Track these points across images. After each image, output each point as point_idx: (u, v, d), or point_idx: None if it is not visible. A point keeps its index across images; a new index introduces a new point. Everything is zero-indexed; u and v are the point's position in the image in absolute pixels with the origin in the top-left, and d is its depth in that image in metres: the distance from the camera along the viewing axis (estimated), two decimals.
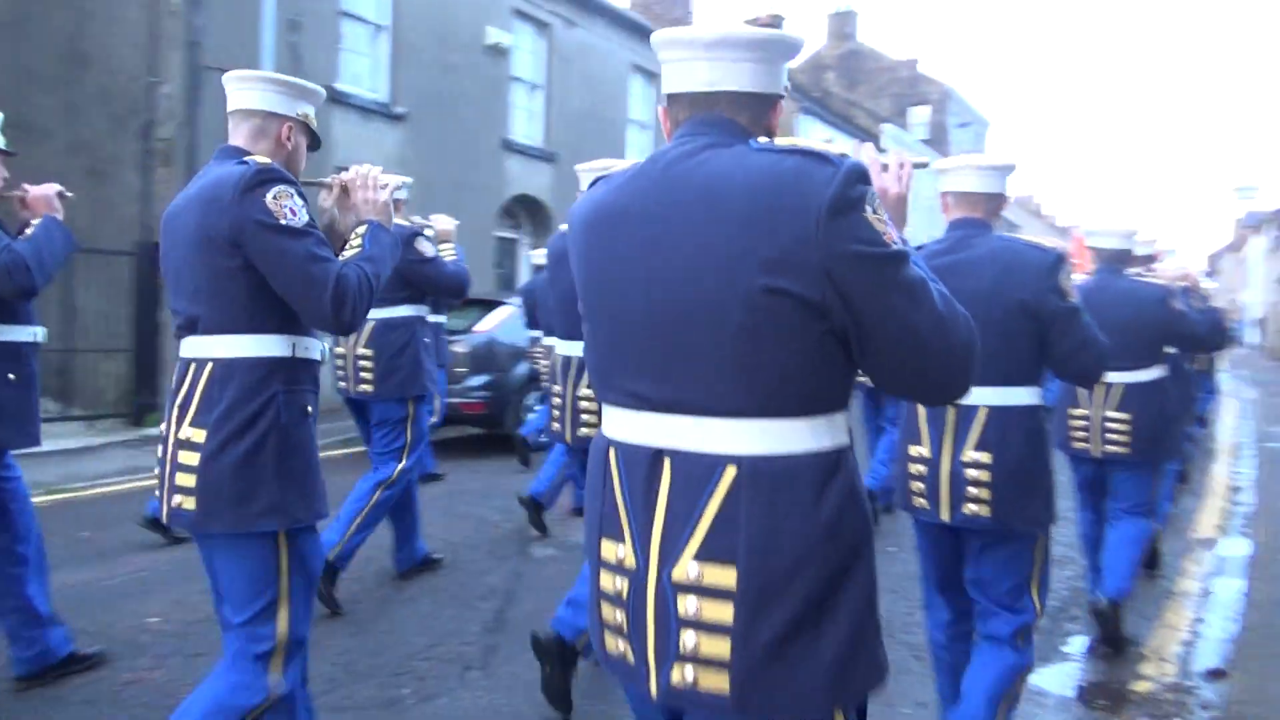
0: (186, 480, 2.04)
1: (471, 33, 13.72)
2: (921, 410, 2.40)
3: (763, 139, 1.28)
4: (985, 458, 2.30)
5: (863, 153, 1.44)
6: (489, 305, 9.41)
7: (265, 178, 2.04)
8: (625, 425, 1.28)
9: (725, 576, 1.16)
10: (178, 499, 2.06)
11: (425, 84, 12.99)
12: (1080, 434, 3.86)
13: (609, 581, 1.28)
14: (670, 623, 1.19)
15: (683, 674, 1.18)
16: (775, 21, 28.45)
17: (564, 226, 1.85)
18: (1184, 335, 3.93)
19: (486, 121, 13.97)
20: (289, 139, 2.29)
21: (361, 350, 4.17)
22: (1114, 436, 3.78)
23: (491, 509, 6.40)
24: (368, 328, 4.17)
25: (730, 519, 1.17)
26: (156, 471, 2.16)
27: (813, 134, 25.15)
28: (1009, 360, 2.28)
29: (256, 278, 2.03)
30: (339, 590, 4.33)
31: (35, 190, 3.16)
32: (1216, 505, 7.04)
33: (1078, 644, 4.02)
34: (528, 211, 15.40)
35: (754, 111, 1.32)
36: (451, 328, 9.02)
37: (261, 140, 2.24)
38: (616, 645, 1.29)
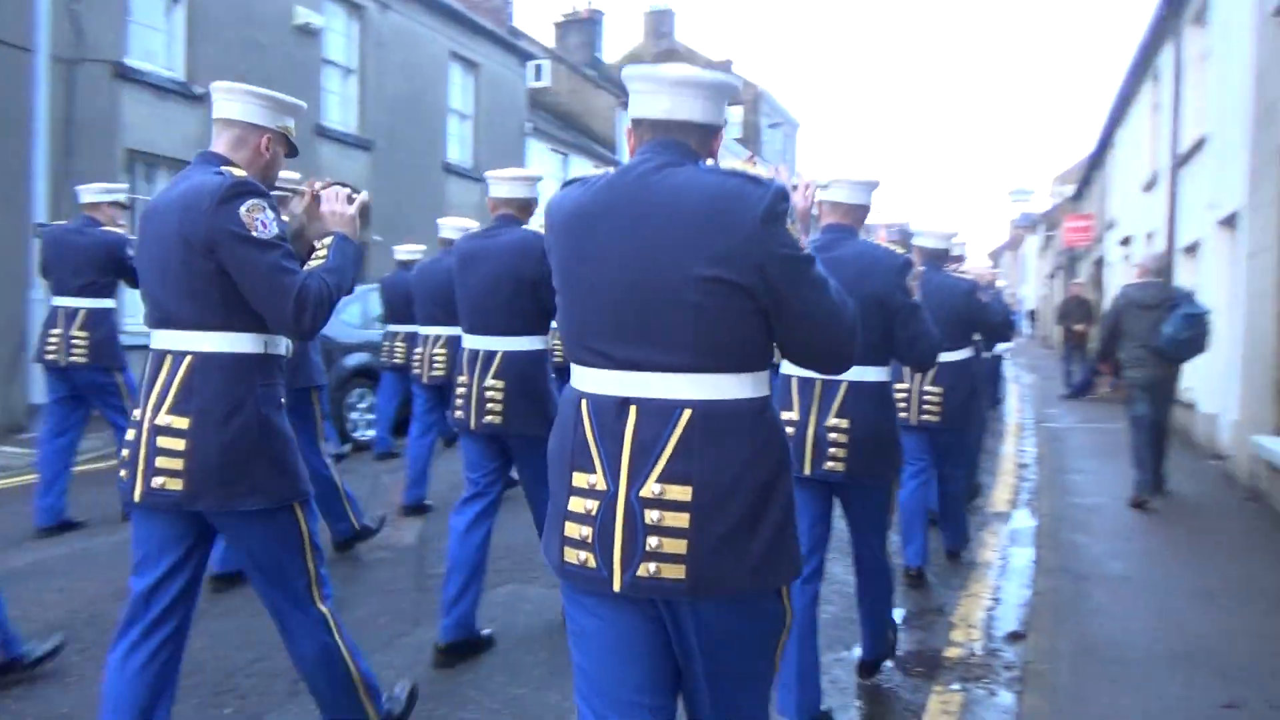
0: (170, 463, 2.21)
1: (279, 11, 13.00)
2: (794, 383, 2.87)
3: (710, 161, 1.66)
4: (844, 423, 2.80)
5: (780, 174, 1.79)
6: None
7: (240, 190, 2.22)
8: (595, 380, 1.62)
9: (683, 493, 1.53)
10: (159, 480, 2.23)
11: (228, 62, 12.18)
12: (900, 405, 4.41)
13: (578, 504, 1.60)
14: (637, 531, 1.54)
15: (648, 568, 1.54)
16: (594, 16, 28.62)
17: (473, 225, 2.38)
18: (986, 323, 4.85)
19: None
20: (267, 149, 2.44)
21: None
22: (929, 407, 4.52)
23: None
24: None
25: (686, 450, 1.53)
26: (126, 454, 2.29)
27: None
28: (865, 344, 2.58)
29: (231, 281, 2.21)
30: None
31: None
32: (1008, 481, 7.69)
33: (895, 615, 4.28)
34: None
35: (701, 138, 1.67)
36: None
37: (241, 149, 2.40)
38: (578, 556, 1.60)
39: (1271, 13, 6.54)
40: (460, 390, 3.55)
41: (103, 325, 5.26)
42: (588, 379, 1.64)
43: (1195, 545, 5.49)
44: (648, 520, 1.55)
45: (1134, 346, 6.46)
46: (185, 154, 11.63)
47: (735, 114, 35.82)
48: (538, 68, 25.69)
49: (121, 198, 5.47)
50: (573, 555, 1.63)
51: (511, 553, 5.16)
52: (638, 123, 1.71)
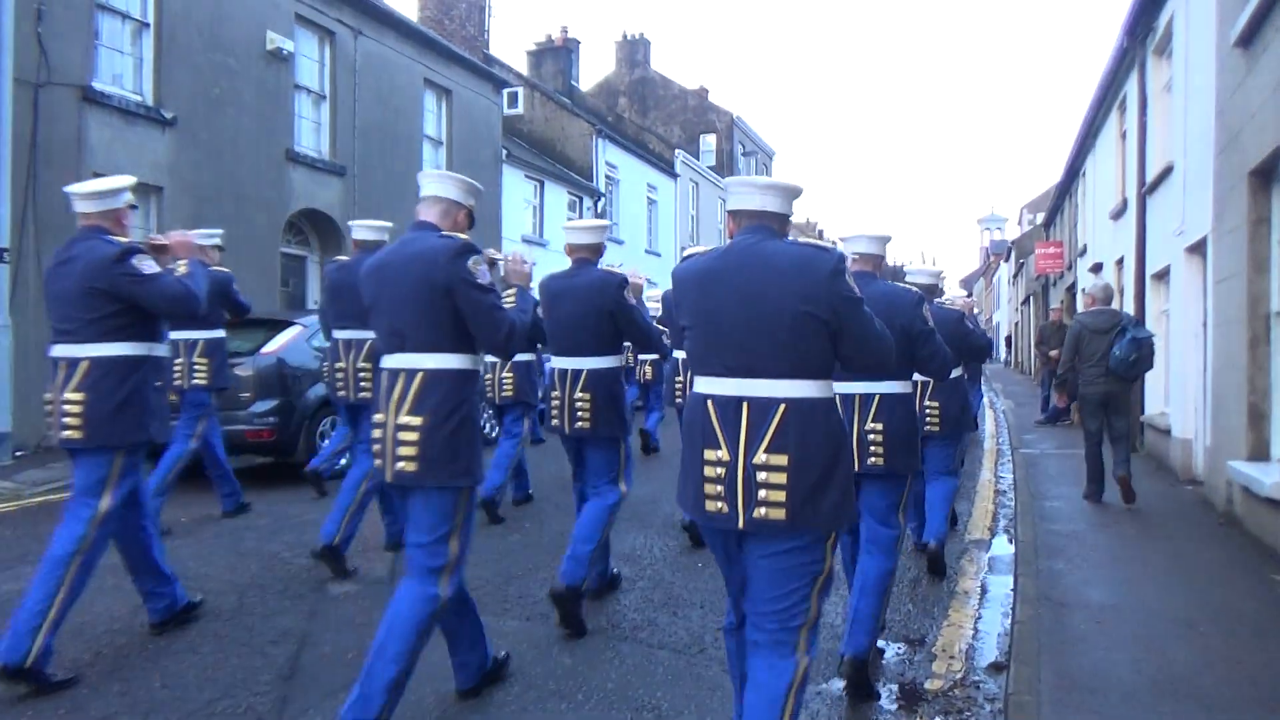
0: (408, 451, 3.06)
1: (250, 37, 12.95)
2: (837, 399, 3.20)
3: (789, 238, 2.52)
4: (879, 426, 3.65)
5: (839, 245, 2.87)
6: (276, 325, 8.85)
7: (467, 248, 3.12)
8: (718, 385, 2.43)
9: (782, 460, 2.34)
10: (400, 465, 3.07)
11: (198, 87, 12.11)
12: None
13: (711, 471, 2.42)
14: (752, 486, 2.35)
15: (760, 512, 2.36)
16: (569, 44, 28.77)
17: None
18: (973, 347, 5.45)
19: (268, 130, 13.21)
20: (463, 220, 3.37)
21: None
22: (929, 418, 5.30)
23: (281, 544, 5.99)
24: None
25: (783, 431, 2.35)
26: (378, 448, 3.15)
27: (610, 156, 25.59)
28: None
29: (458, 316, 3.09)
30: (101, 643, 3.88)
31: (176, 237, 4.75)
32: (986, 508, 7.68)
33: (880, 642, 4.23)
34: (315, 227, 14.68)
35: (780, 223, 2.56)
36: (235, 349, 8.48)
37: (446, 219, 3.30)
38: (715, 505, 2.42)
39: (1232, 44, 6.67)
40: (554, 403, 4.54)
41: (219, 352, 6.39)
42: (712, 385, 2.48)
43: (1174, 571, 5.49)
44: (759, 479, 2.39)
45: (1089, 367, 7.54)
46: (154, 178, 11.52)
47: (710, 141, 36.06)
48: (512, 95, 25.81)
49: (219, 241, 6.68)
50: (711, 505, 2.46)
51: (484, 585, 5.07)
52: (736, 213, 2.61)
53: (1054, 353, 14.64)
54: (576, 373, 4.46)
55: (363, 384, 5.49)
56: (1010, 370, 34.88)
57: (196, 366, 6.33)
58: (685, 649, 4.15)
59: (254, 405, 8.15)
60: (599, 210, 24.58)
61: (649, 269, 26.05)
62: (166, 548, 5.83)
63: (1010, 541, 6.46)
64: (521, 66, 30.30)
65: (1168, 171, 9.80)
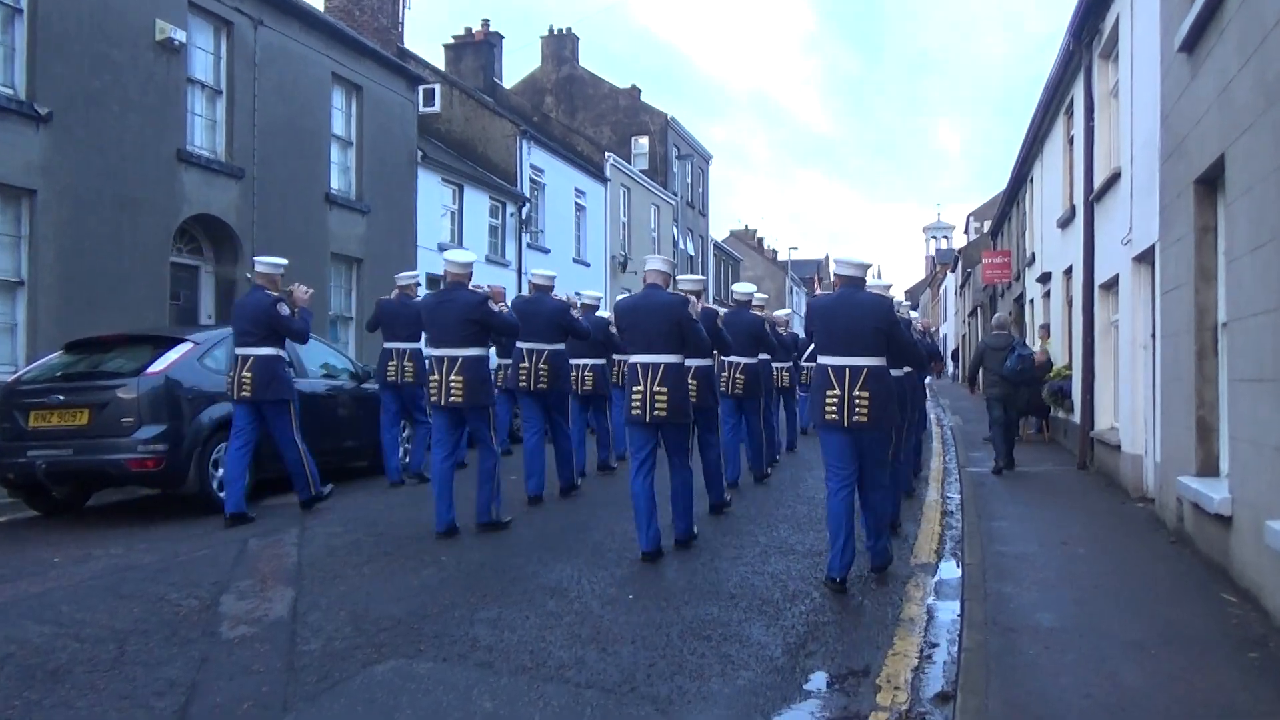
0: (457, 391, 7.32)
1: (137, 25, 12.64)
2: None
3: (867, 289, 6.25)
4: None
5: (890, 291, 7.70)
6: (163, 342, 8.61)
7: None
8: (835, 360, 5.95)
9: (865, 394, 5.88)
10: (452, 399, 7.31)
11: (77, 80, 11.76)
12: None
13: (831, 400, 5.91)
14: (853, 406, 5.86)
15: (858, 420, 5.87)
16: (491, 39, 28.68)
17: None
18: (913, 356, 6.92)
19: (157, 128, 12.89)
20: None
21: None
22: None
23: (169, 585, 5.81)
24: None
25: (867, 381, 5.90)
26: (434, 391, 7.36)
27: (535, 158, 25.57)
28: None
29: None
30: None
31: (299, 293, 8.60)
32: (932, 530, 7.83)
33: (818, 680, 4.27)
34: (210, 234, 14.34)
35: (861, 282, 6.17)
36: (116, 370, 8.24)
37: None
38: (831, 416, 5.90)
39: (1176, 49, 6.95)
40: (636, 394, 6.79)
41: (419, 358, 10.21)
42: (829, 360, 5.95)
43: (1125, 592, 5.66)
44: (856, 403, 5.83)
45: (990, 374, 11.71)
46: (26, 180, 11.13)
47: (642, 144, 36.29)
48: (429, 92, 25.65)
49: (420, 279, 11.12)
50: (829, 416, 5.88)
51: (395, 624, 4.99)
52: (841, 276, 6.12)
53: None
54: (656, 366, 6.80)
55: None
56: (958, 385, 35.65)
57: (406, 368, 10.26)
58: (615, 688, 4.13)
59: (138, 431, 7.90)
60: (523, 216, 24.54)
61: (576, 279, 26.07)
62: (39, 592, 5.65)
63: (958, 565, 6.59)
64: (439, 62, 30.15)
65: (1115, 178, 10.14)
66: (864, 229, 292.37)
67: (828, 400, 5.95)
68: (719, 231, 76.89)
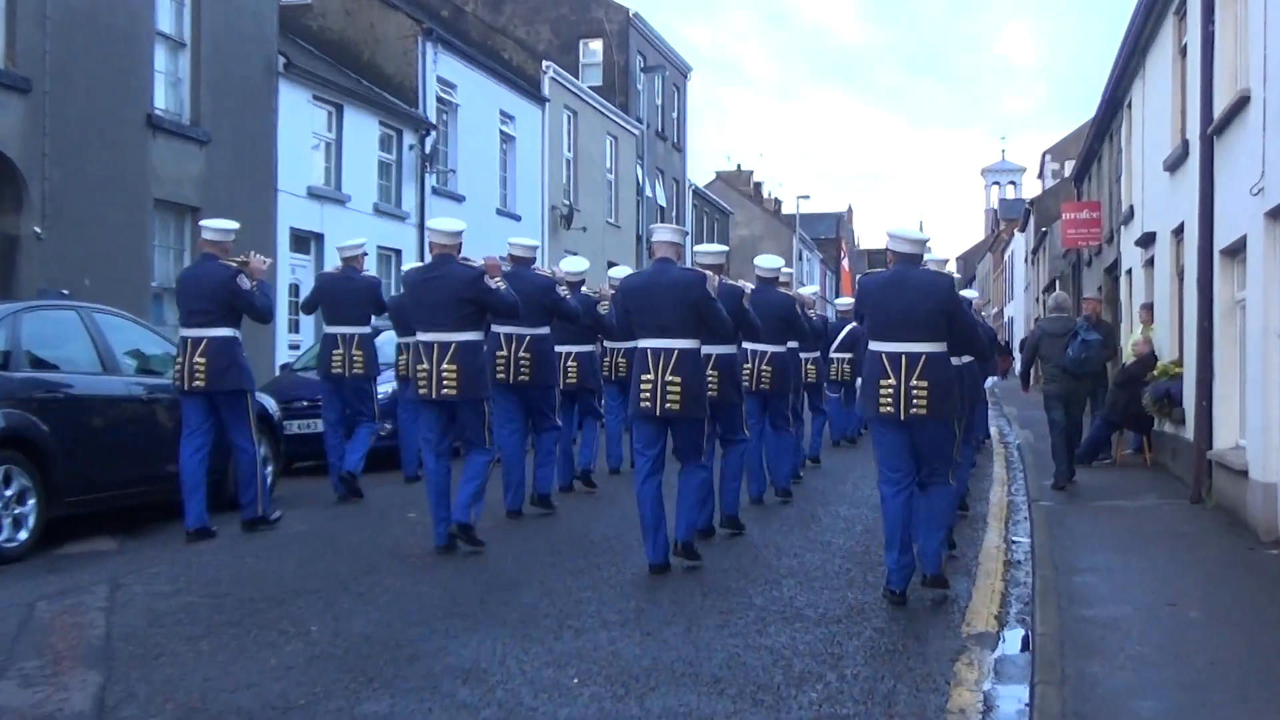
0: (450, 382, 8.49)
1: None
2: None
3: (923, 266, 7.59)
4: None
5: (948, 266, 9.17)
6: None
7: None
8: (888, 347, 7.20)
9: (924, 384, 7.12)
10: (445, 391, 8.53)
11: None
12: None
13: (885, 391, 7.15)
14: (910, 397, 7.11)
15: (916, 411, 7.12)
16: None
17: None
18: (977, 343, 8.08)
19: None
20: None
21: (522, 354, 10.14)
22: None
23: None
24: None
25: (925, 368, 7.14)
26: (424, 378, 8.58)
27: (445, 69, 25.40)
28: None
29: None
30: None
31: (255, 263, 9.65)
32: (992, 587, 7.90)
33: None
34: None
35: (919, 258, 7.51)
36: None
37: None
38: (887, 408, 7.16)
39: None
40: (645, 384, 7.88)
41: (370, 345, 11.71)
42: (883, 347, 7.21)
43: (1255, 673, 5.73)
44: (914, 394, 7.08)
45: (1049, 367, 12.86)
46: None
47: (594, 49, 36.23)
48: None
49: (366, 248, 12.65)
50: (885, 409, 7.14)
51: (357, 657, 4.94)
52: (896, 252, 7.39)
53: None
54: (669, 351, 7.90)
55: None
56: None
57: (355, 358, 11.59)
58: None
59: None
60: (427, 150, 24.40)
61: (500, 237, 26.02)
62: None
63: (1026, 635, 6.65)
64: None
65: (1242, 104, 10.22)
66: (901, 171, 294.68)
67: (882, 391, 7.19)
68: (701, 173, 76.94)
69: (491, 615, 6.84)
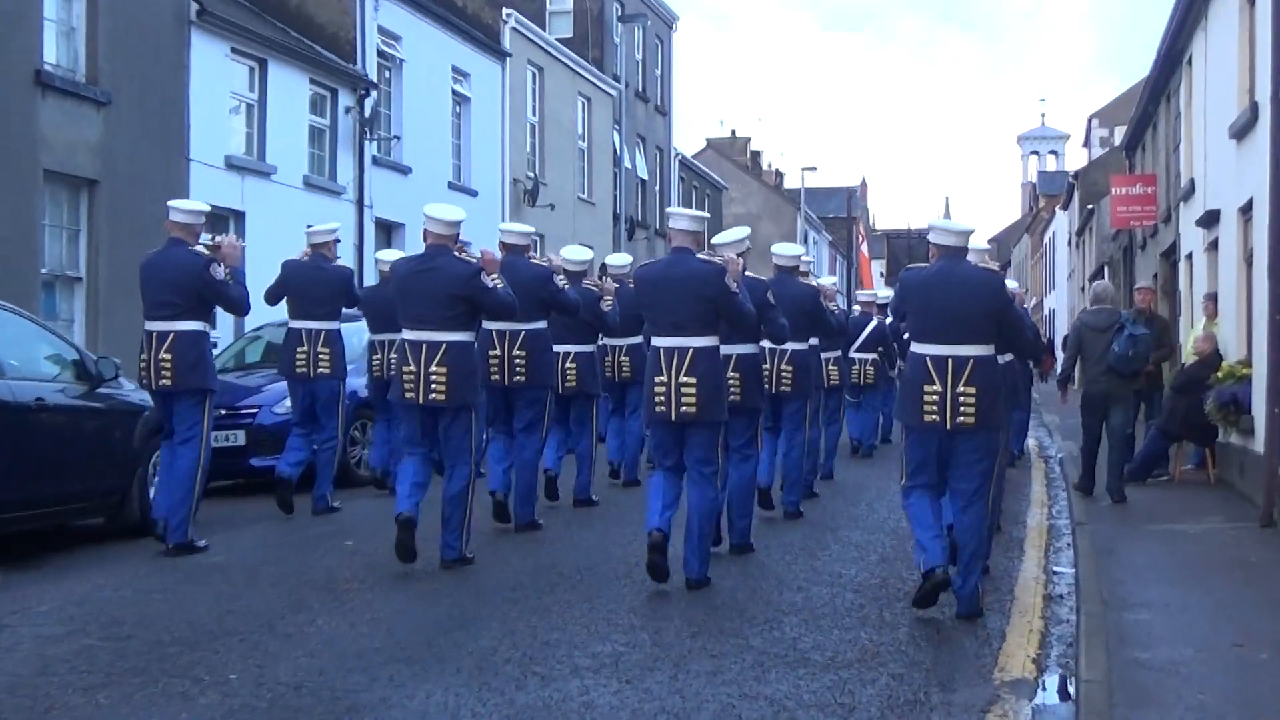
0: (439, 387, 9.07)
1: None
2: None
3: (969, 261, 8.37)
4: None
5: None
6: None
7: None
8: (933, 349, 7.90)
9: (972, 390, 7.79)
10: (432, 396, 9.12)
11: None
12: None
13: (930, 397, 7.82)
14: (957, 405, 7.78)
15: (963, 420, 7.78)
16: None
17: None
18: (1028, 346, 9.91)
19: None
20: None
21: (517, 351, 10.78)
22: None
23: None
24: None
25: (973, 373, 7.83)
26: (410, 381, 9.17)
27: (387, 18, 25.34)
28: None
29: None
30: None
31: (227, 247, 10.40)
32: (1029, 625, 7.92)
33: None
34: None
35: (963, 251, 8.21)
36: None
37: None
38: (931, 417, 7.84)
39: None
40: (659, 386, 8.51)
41: (338, 343, 12.23)
42: (927, 349, 7.91)
43: None
44: (961, 401, 7.74)
45: (1090, 365, 13.38)
46: None
47: None
48: None
49: (339, 234, 13.23)
50: (929, 418, 7.81)
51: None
52: (940, 246, 8.08)
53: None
54: (683, 350, 8.50)
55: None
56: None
57: (320, 355, 12.21)
58: None
59: None
60: (367, 113, 24.33)
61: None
62: None
63: (1070, 683, 6.68)
64: None
65: None
66: (923, 139, 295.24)
67: (926, 398, 7.83)
68: (689, 140, 76.99)
69: (443, 660, 6.84)
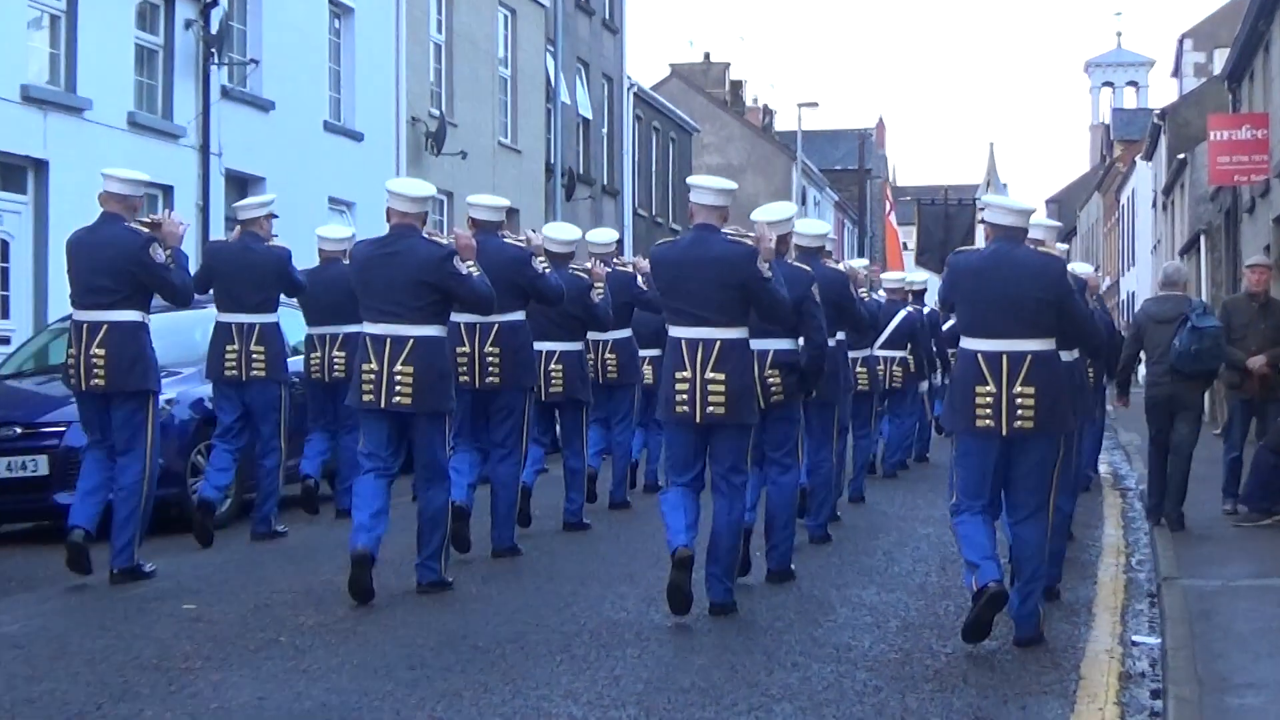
0: (404, 389, 10.14)
1: None
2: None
3: (1026, 244, 9.52)
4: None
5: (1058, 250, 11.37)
6: None
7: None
8: (984, 345, 9.16)
9: (1030, 390, 9.00)
10: (396, 399, 10.18)
11: None
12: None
13: (982, 399, 9.03)
14: (1014, 407, 8.97)
15: (1020, 423, 9.00)
16: None
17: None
18: (1094, 338, 10.56)
19: None
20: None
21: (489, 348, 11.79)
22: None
23: None
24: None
25: (1031, 372, 9.03)
26: (370, 382, 10.23)
27: None
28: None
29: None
30: None
31: (169, 225, 11.73)
32: (1100, 714, 7.94)
33: None
34: None
35: (1022, 233, 9.47)
36: None
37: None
38: (985, 422, 9.03)
39: None
40: (682, 383, 9.41)
41: (275, 338, 13.36)
42: (979, 344, 9.14)
43: None
44: (1018, 403, 8.91)
45: (1153, 363, 14.43)
46: None
47: None
48: None
49: (274, 208, 14.11)
50: (982, 422, 8.98)
51: None
52: (995, 226, 9.36)
53: (1258, 362, 15.19)
54: (709, 343, 9.50)
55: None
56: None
57: (254, 355, 13.05)
58: None
59: None
60: (212, 29, 24.23)
61: (335, 159, 25.97)
62: None
63: None
64: None
65: None
66: (960, 68, 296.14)
67: (979, 400, 8.96)
68: (649, 67, 76.70)
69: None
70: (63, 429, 13.71)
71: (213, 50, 24.27)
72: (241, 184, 25.26)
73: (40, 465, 13.45)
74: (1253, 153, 24.49)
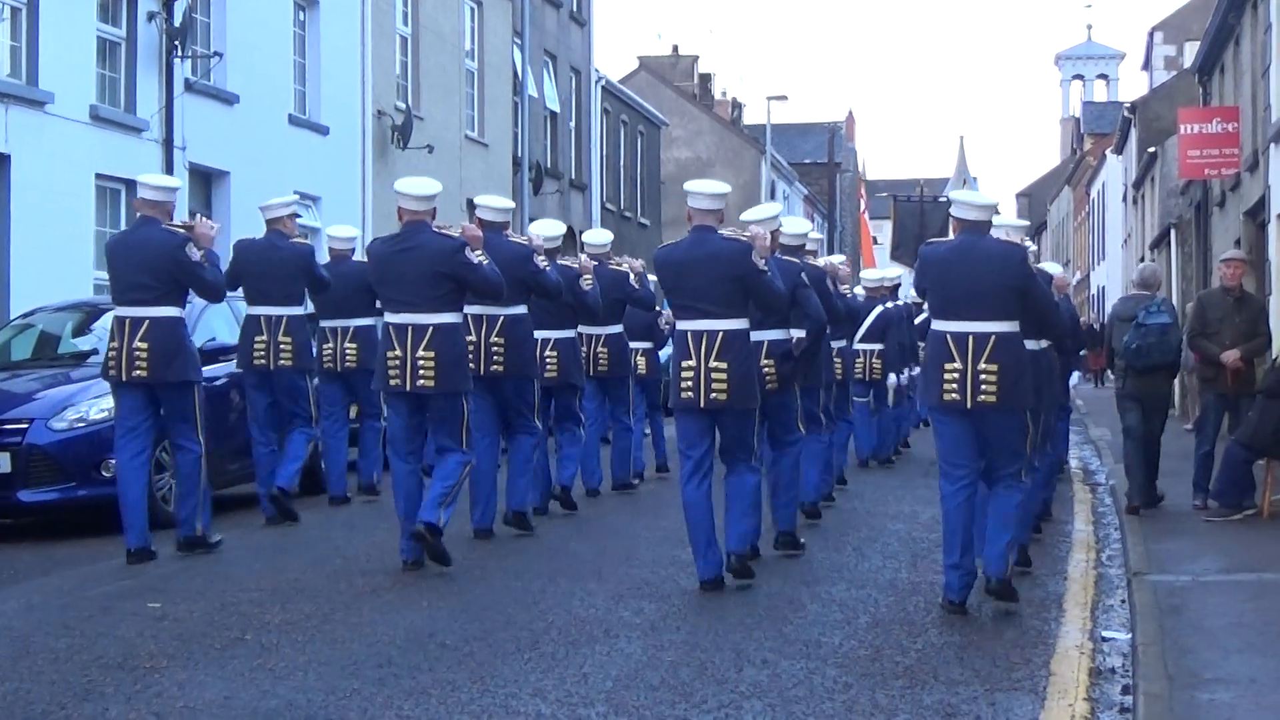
0: (427, 372, 11.39)
1: None
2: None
3: (991, 235, 10.80)
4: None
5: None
6: None
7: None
8: (953, 326, 10.32)
9: (993, 367, 10.12)
10: (421, 382, 11.43)
11: None
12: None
13: (949, 375, 10.21)
14: (978, 382, 10.12)
15: (985, 399, 10.10)
16: None
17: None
18: (1056, 323, 11.46)
19: None
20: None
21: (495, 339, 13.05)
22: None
23: None
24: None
25: (995, 350, 10.15)
26: (395, 367, 11.50)
27: None
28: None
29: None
30: None
31: (202, 228, 12.79)
32: (1070, 710, 7.94)
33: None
34: None
35: (986, 226, 10.68)
36: None
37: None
38: (951, 395, 10.21)
39: None
40: (687, 372, 10.58)
41: (302, 330, 14.52)
42: (948, 326, 10.29)
43: None
44: (982, 378, 10.04)
45: (1117, 359, 15.68)
46: None
47: None
48: None
49: (296, 207, 15.94)
50: (949, 396, 10.15)
51: None
52: (961, 220, 10.55)
53: (1231, 356, 15.23)
54: (712, 334, 10.50)
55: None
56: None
57: (282, 345, 14.11)
58: None
59: None
60: (175, 21, 24.19)
61: (301, 152, 25.85)
62: None
63: None
64: None
65: None
66: (930, 60, 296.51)
67: (946, 376, 10.03)
68: (617, 60, 76.71)
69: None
70: (25, 426, 13.65)
71: (176, 43, 24.15)
72: (205, 178, 25.30)
73: (3, 463, 13.39)
74: (1223, 146, 24.57)
